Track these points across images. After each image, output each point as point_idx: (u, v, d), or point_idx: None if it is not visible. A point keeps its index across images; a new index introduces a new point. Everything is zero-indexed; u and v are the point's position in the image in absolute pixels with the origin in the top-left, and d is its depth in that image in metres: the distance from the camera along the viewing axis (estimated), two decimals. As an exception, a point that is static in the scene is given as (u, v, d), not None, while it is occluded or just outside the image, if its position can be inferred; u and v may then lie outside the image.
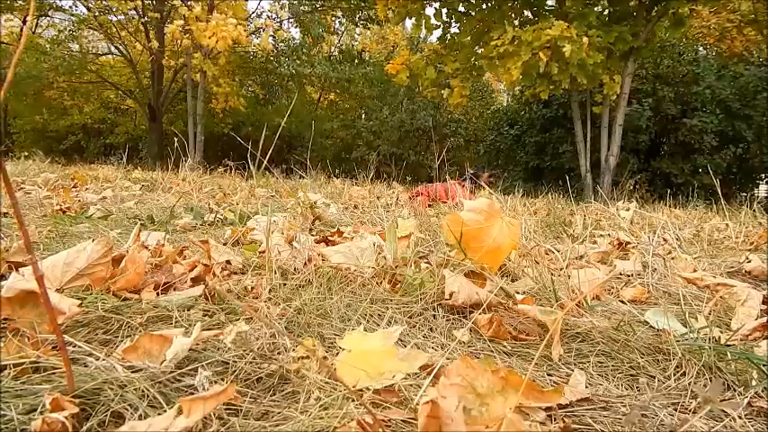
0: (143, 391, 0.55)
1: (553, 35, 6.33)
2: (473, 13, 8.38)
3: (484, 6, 8.27)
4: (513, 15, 8.20)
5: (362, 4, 11.78)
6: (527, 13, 8.35)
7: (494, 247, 1.09)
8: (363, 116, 15.76)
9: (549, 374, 0.73)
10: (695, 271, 1.33)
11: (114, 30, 13.02)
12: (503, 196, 3.08)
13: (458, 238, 1.09)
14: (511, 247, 1.14)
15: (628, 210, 2.58)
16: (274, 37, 13.02)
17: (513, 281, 1.20)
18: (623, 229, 1.89)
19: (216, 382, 0.60)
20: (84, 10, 12.91)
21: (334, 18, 15.47)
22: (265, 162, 1.38)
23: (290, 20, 14.56)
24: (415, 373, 0.65)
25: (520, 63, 6.61)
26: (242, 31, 9.54)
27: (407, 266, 1.13)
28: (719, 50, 9.94)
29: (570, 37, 6.26)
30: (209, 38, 9.10)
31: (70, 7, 12.81)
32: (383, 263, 1.15)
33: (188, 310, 0.87)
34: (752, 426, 0.60)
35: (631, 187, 5.59)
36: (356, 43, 19.15)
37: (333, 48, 17.22)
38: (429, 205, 3.48)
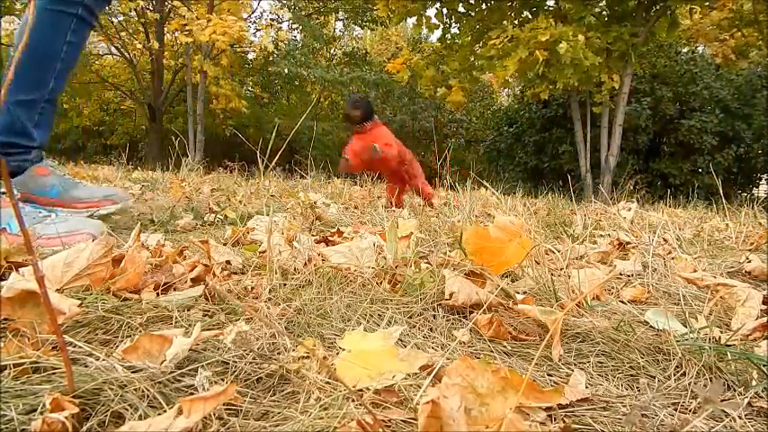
0: (143, 392, 0.55)
1: (550, 35, 6.34)
2: (473, 14, 8.38)
3: (483, 6, 8.28)
4: (512, 15, 8.21)
5: (366, 5, 11.78)
6: (526, 13, 8.36)
7: (503, 261, 1.09)
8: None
9: (549, 374, 0.73)
10: (695, 271, 1.33)
11: (114, 30, 13.02)
12: (503, 196, 3.08)
13: (478, 251, 1.09)
14: (516, 262, 1.14)
15: (629, 210, 2.58)
16: (275, 38, 13.03)
17: (513, 281, 1.20)
18: (623, 230, 1.89)
19: (216, 383, 0.60)
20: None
21: (336, 20, 15.48)
22: (270, 164, 1.38)
23: (291, 22, 14.56)
24: (415, 374, 0.65)
25: (516, 59, 6.62)
26: (243, 27, 9.55)
27: (407, 266, 1.13)
28: (714, 53, 9.95)
29: (564, 32, 6.27)
30: (210, 35, 9.11)
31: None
32: (383, 263, 1.15)
33: (188, 310, 0.87)
34: (752, 426, 0.60)
35: (631, 187, 5.60)
36: (357, 44, 19.12)
37: (333, 50, 17.21)
38: (395, 202, 3.16)
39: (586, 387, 0.68)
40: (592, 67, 6.73)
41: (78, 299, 0.76)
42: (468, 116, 14.83)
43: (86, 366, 0.60)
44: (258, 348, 0.71)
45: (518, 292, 1.04)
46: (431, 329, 0.87)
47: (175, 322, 0.80)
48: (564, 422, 0.58)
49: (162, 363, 0.62)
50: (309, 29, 13.72)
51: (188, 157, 4.29)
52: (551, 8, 8.11)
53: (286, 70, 13.05)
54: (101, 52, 15.54)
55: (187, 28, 9.75)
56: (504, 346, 0.82)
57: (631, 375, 0.74)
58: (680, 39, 10.23)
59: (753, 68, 9.77)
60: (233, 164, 5.22)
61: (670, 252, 1.61)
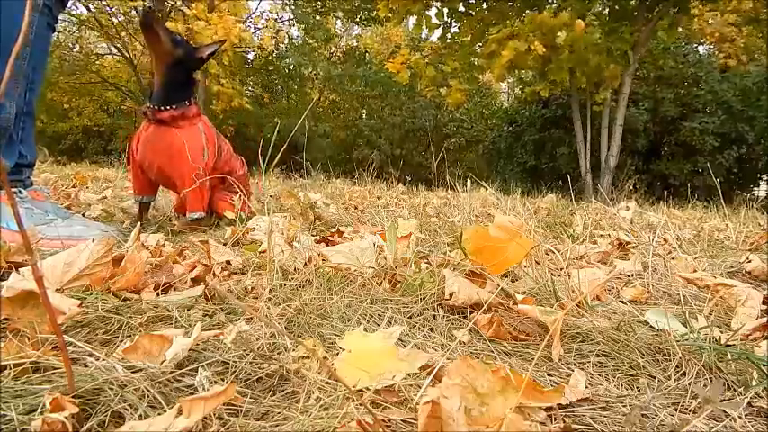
0: (143, 391, 0.55)
1: (550, 24, 6.33)
2: (473, 13, 8.38)
3: (484, 6, 8.28)
4: (512, 14, 8.21)
5: (363, 5, 11.77)
6: (527, 12, 8.37)
7: (503, 261, 1.09)
8: (364, 115, 15.75)
9: (549, 374, 0.73)
10: (695, 271, 1.33)
11: (115, 30, 13.02)
12: (503, 196, 3.08)
13: (478, 251, 1.09)
14: (516, 262, 1.13)
15: (627, 209, 2.58)
16: (276, 38, 13.02)
17: (513, 281, 1.20)
18: (623, 229, 1.89)
19: (216, 382, 0.60)
20: (84, 10, 12.92)
21: (335, 18, 15.47)
22: (272, 164, 1.38)
23: (292, 20, 14.56)
24: (415, 374, 0.65)
25: (512, 48, 6.61)
26: (242, 28, 9.56)
27: (407, 266, 1.13)
28: (723, 54, 9.92)
29: (563, 19, 6.26)
30: (212, 36, 9.10)
31: (69, 8, 12.81)
32: (383, 263, 1.15)
33: (188, 310, 0.87)
34: (752, 426, 0.60)
35: (631, 187, 5.60)
36: (357, 43, 19.11)
37: (332, 48, 17.20)
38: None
39: (586, 387, 0.68)
40: (595, 61, 6.73)
41: (78, 299, 0.76)
42: (468, 116, 14.82)
43: (86, 366, 0.60)
44: (258, 348, 0.71)
45: (518, 292, 1.04)
46: (431, 329, 0.87)
47: (175, 322, 0.80)
48: (564, 422, 0.58)
49: (162, 363, 0.62)
50: (313, 24, 13.72)
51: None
52: (553, 4, 8.10)
53: (292, 64, 13.01)
54: (101, 52, 15.55)
55: (188, 27, 9.75)
56: (504, 346, 0.82)
57: (631, 375, 0.74)
58: (688, 39, 10.21)
59: (760, 71, 9.73)
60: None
61: (670, 252, 1.61)
